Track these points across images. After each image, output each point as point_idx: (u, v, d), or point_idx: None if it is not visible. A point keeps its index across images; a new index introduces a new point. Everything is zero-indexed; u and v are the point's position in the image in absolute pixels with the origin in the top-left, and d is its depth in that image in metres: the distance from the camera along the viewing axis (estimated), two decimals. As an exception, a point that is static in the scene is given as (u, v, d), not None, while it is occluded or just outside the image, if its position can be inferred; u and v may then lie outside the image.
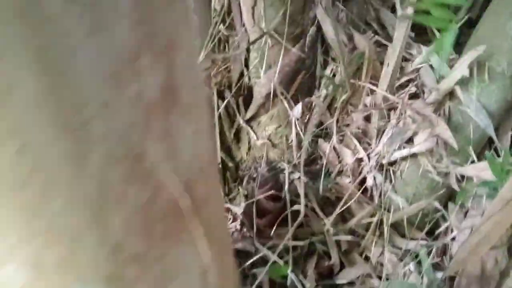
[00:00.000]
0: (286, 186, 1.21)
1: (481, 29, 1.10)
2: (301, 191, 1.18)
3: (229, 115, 1.66)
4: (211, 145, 0.29)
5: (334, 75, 1.46)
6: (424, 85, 1.18)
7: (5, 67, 0.15)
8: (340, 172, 1.45)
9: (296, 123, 1.53)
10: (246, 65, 1.59)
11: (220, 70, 1.63)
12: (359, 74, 1.40)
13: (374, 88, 1.30)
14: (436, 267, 1.11)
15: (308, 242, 1.28)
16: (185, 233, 0.26)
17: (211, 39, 1.56)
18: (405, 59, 1.31)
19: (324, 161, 1.32)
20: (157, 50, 0.20)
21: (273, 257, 1.00)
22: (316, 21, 1.45)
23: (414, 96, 1.23)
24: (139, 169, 0.21)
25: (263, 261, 1.20)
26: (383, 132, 1.29)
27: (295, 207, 1.18)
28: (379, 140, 1.31)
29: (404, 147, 1.21)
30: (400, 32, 1.16)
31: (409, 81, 1.27)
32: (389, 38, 1.34)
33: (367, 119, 1.37)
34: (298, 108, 1.54)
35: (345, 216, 1.33)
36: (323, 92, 1.51)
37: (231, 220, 1.48)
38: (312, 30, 1.45)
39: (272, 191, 1.13)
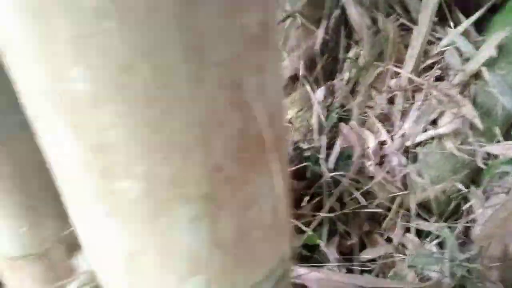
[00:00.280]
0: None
1: (508, 11, 1.11)
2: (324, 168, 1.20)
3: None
4: (282, 89, 0.31)
5: (357, 58, 1.47)
6: (449, 67, 1.19)
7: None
8: (362, 156, 1.46)
9: (318, 106, 1.55)
10: (269, 49, 1.62)
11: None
12: (383, 57, 1.41)
13: (398, 70, 1.31)
14: (460, 248, 1.13)
15: (331, 221, 1.31)
16: (265, 164, 0.29)
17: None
18: (429, 43, 1.32)
19: (338, 142, 1.33)
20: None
21: (309, 230, 1.03)
22: (340, 3, 1.46)
23: (439, 79, 1.24)
24: (238, 98, 0.24)
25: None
26: (407, 114, 1.31)
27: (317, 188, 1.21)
28: (403, 122, 1.32)
29: (428, 129, 1.22)
30: (426, 13, 1.17)
31: (434, 63, 1.27)
32: (413, 21, 1.35)
33: (391, 102, 1.39)
34: (321, 91, 1.55)
35: (367, 198, 1.35)
36: (346, 75, 1.52)
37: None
38: (335, 12, 1.46)
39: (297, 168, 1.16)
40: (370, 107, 1.44)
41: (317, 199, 1.26)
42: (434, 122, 1.23)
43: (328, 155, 1.48)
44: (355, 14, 1.39)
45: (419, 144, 1.26)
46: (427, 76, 1.23)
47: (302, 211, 1.25)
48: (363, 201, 1.16)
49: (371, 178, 1.38)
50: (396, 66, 1.34)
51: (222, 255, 0.26)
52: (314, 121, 1.58)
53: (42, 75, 0.22)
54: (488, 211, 1.06)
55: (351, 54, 1.48)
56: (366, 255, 1.21)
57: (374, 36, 1.41)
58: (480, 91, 1.10)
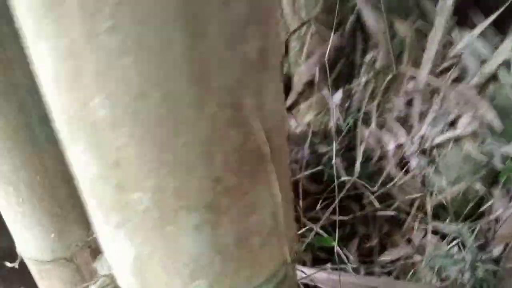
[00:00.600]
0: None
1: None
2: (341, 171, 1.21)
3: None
4: (283, 105, 0.34)
5: (374, 62, 1.48)
6: (467, 69, 1.18)
7: (163, 30, 0.21)
8: (381, 158, 1.47)
9: (336, 109, 1.57)
10: (287, 55, 1.64)
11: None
12: (400, 61, 1.41)
13: (416, 73, 1.31)
14: (480, 248, 1.12)
15: (351, 223, 1.33)
16: (264, 175, 0.32)
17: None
18: (447, 45, 1.32)
19: (362, 144, 1.34)
20: (259, 18, 0.26)
21: (320, 230, 1.05)
22: (356, 9, 1.48)
23: (456, 81, 1.24)
24: (238, 117, 0.27)
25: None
26: (425, 116, 1.31)
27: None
28: (421, 125, 1.32)
29: (447, 131, 1.22)
30: (442, 16, 1.17)
31: (451, 66, 1.27)
32: (430, 24, 1.35)
33: (409, 104, 1.39)
34: (338, 95, 1.57)
35: (386, 200, 1.35)
36: (363, 79, 1.53)
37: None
38: (352, 18, 1.48)
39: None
40: (388, 110, 1.45)
41: (335, 202, 1.27)
42: (452, 124, 1.22)
43: (345, 158, 1.49)
44: (371, 18, 1.40)
45: (437, 146, 1.26)
46: (444, 78, 1.23)
47: (318, 214, 1.26)
48: (377, 204, 1.16)
49: (391, 180, 1.38)
50: (413, 69, 1.34)
51: (223, 260, 0.29)
52: (332, 124, 1.59)
53: (70, 103, 0.25)
54: (509, 212, 1.05)
55: (367, 58, 1.49)
56: (386, 256, 1.22)
57: (390, 40, 1.41)
58: (498, 93, 1.10)
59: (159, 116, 0.24)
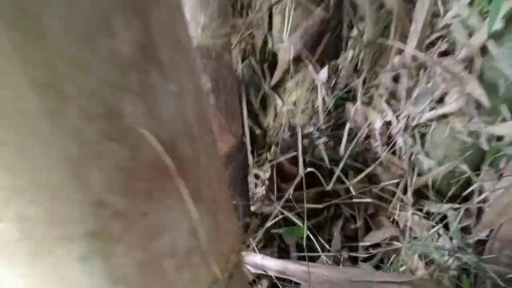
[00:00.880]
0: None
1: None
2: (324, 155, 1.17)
3: (255, 82, 1.65)
4: (199, 107, 0.29)
5: (361, 36, 1.41)
6: (456, 42, 1.12)
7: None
8: (367, 137, 1.42)
9: (322, 87, 1.51)
10: (270, 30, 1.57)
11: (243, 36, 1.61)
12: (387, 33, 1.34)
13: (403, 47, 1.24)
14: (466, 230, 1.09)
15: (335, 205, 1.29)
16: (171, 191, 0.27)
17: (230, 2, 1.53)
18: (435, 15, 1.24)
19: (348, 125, 1.30)
20: (131, 6, 0.21)
21: (297, 219, 1.01)
22: (341, -21, 1.40)
23: (445, 54, 1.17)
24: (118, 127, 0.22)
25: (288, 223, 1.22)
26: (412, 93, 1.25)
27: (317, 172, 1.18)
28: (408, 101, 1.27)
29: (434, 108, 1.17)
30: (430, -16, 1.09)
31: (439, 38, 1.20)
32: (419, -6, 1.27)
33: (396, 80, 1.33)
34: (324, 72, 1.51)
35: (372, 180, 1.32)
36: (350, 53, 1.47)
37: (259, 185, 1.51)
38: (336, -11, 1.40)
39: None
40: (375, 86, 1.39)
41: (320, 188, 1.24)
42: (441, 100, 1.17)
43: (331, 137, 1.45)
44: (356, -12, 1.32)
45: (424, 124, 1.21)
46: (431, 52, 1.16)
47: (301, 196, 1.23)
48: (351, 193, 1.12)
49: (378, 159, 1.34)
50: (401, 42, 1.27)
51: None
52: (319, 102, 1.54)
53: None
54: (495, 194, 1.01)
55: (354, 32, 1.42)
56: (370, 239, 1.19)
57: (377, 11, 1.34)
58: (487, 67, 1.03)
59: None
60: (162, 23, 0.24)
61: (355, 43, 1.43)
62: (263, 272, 0.78)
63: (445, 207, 1.15)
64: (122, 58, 0.22)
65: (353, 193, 1.17)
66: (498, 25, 0.96)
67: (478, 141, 1.01)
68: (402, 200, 1.21)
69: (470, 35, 1.06)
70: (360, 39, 1.39)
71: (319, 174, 1.08)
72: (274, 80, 1.60)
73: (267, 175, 1.35)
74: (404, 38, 1.28)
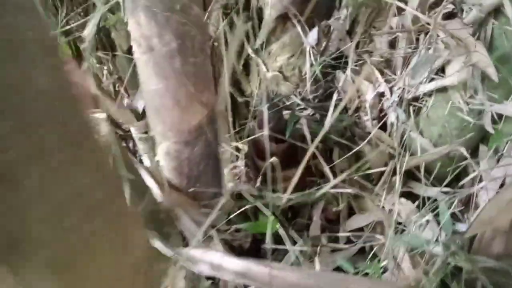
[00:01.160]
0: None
1: None
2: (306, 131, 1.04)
3: (238, 43, 1.48)
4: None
5: (356, -8, 1.23)
6: (463, 1, 0.95)
7: None
8: (358, 109, 1.28)
9: (311, 51, 1.35)
10: (254, -17, 1.39)
11: (223, -11, 1.43)
12: (386, -9, 1.17)
13: (402, 5, 1.07)
14: (459, 218, 0.98)
15: (316, 185, 1.18)
16: None
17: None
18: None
19: (335, 95, 1.15)
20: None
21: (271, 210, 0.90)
22: None
23: (450, 16, 1.01)
24: None
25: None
26: (410, 61, 1.10)
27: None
28: (405, 71, 1.12)
29: (433, 79, 1.02)
30: None
31: (445, -3, 1.03)
32: None
33: (393, 45, 1.17)
34: (313, 34, 1.34)
35: (360, 157, 1.19)
36: (343, 13, 1.30)
37: (237, 159, 1.38)
38: None
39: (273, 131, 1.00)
40: (369, 52, 1.23)
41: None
42: (441, 71, 1.02)
43: (318, 109, 1.31)
44: None
45: (421, 97, 1.07)
46: (435, 12, 1.00)
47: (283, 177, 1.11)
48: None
49: (368, 134, 1.21)
50: (400, 1, 1.10)
51: None
52: (306, 69, 1.39)
53: None
54: (497, 182, 0.89)
55: (348, -13, 1.24)
56: (353, 223, 1.08)
57: (376, -37, 1.16)
58: (499, 32, 0.88)
59: None
60: None
61: (349, 0, 1.25)
62: (219, 276, 0.67)
63: (435, 191, 1.03)
64: None
65: (333, 177, 1.05)
66: (517, -19, 0.80)
67: (481, 121, 0.87)
68: (389, 182, 1.09)
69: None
70: (355, -4, 1.22)
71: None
72: (258, 41, 1.43)
73: (245, 151, 1.22)
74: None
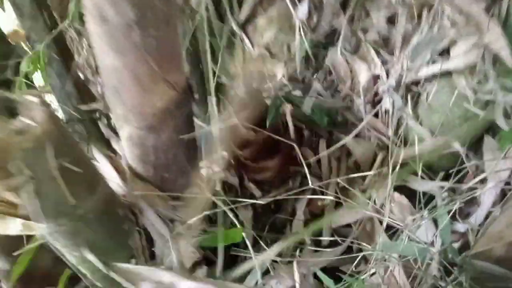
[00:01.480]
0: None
1: None
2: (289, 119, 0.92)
3: (221, 17, 1.34)
4: None
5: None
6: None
7: None
8: (351, 91, 1.16)
9: (301, 27, 1.21)
10: None
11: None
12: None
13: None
14: (459, 216, 0.88)
15: (301, 176, 1.07)
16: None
17: None
18: None
19: (323, 76, 1.03)
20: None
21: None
22: None
23: (459, -11, 0.88)
24: None
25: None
26: (410, 40, 0.97)
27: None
28: (404, 51, 0.99)
29: (435, 61, 0.90)
30: None
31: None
32: None
33: (391, 21, 1.04)
34: (303, 7, 1.20)
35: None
36: (337, -16, 1.15)
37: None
38: None
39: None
40: (365, 30, 1.10)
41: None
42: (446, 52, 0.89)
43: (306, 91, 1.18)
44: None
45: (421, 81, 0.95)
46: (442, -16, 0.87)
47: (264, 167, 0.99)
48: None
49: (360, 121, 1.09)
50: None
51: None
52: (296, 46, 1.25)
53: None
54: (501, 175, 0.79)
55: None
56: (339, 219, 0.98)
57: None
58: (516, 8, 0.75)
59: None
60: None
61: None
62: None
63: (432, 185, 0.93)
64: None
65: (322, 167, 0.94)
66: None
67: (491, 114, 0.76)
68: (381, 173, 0.98)
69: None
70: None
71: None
72: (243, 15, 1.29)
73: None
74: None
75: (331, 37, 1.19)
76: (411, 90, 0.98)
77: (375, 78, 1.08)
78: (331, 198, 0.97)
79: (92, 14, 0.70)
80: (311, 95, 1.16)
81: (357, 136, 1.04)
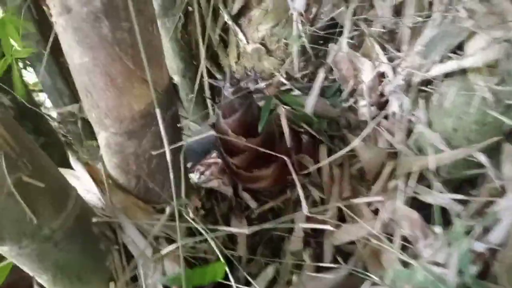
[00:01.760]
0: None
1: None
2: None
3: (214, 9, 1.24)
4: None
5: None
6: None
7: None
8: (353, 91, 1.06)
9: (299, 20, 1.11)
10: None
11: None
12: None
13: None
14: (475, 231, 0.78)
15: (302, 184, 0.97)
16: None
17: None
18: None
19: (322, 73, 0.94)
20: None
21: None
22: None
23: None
24: None
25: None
26: (420, 33, 0.87)
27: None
28: (413, 47, 0.89)
29: (449, 58, 0.80)
30: None
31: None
32: None
33: (398, 13, 0.94)
34: (302, -3, 1.10)
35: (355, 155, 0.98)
36: (339, -27, 1.06)
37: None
38: None
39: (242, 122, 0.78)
40: (369, 21, 1.00)
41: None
42: (459, 48, 0.80)
43: (306, 92, 1.09)
44: None
45: (432, 80, 0.85)
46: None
47: (258, 176, 0.90)
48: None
49: (365, 123, 0.99)
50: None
51: None
52: (293, 41, 1.15)
53: None
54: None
55: None
56: (341, 236, 0.88)
57: None
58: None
59: None
60: None
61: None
62: None
63: (447, 199, 0.83)
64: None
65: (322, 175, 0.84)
66: None
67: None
68: (388, 184, 0.89)
69: None
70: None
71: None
72: (236, 6, 1.19)
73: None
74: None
75: (332, 31, 1.09)
76: (421, 91, 0.89)
77: (381, 77, 0.99)
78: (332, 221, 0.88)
79: (53, 2, 0.61)
80: (311, 95, 1.06)
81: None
